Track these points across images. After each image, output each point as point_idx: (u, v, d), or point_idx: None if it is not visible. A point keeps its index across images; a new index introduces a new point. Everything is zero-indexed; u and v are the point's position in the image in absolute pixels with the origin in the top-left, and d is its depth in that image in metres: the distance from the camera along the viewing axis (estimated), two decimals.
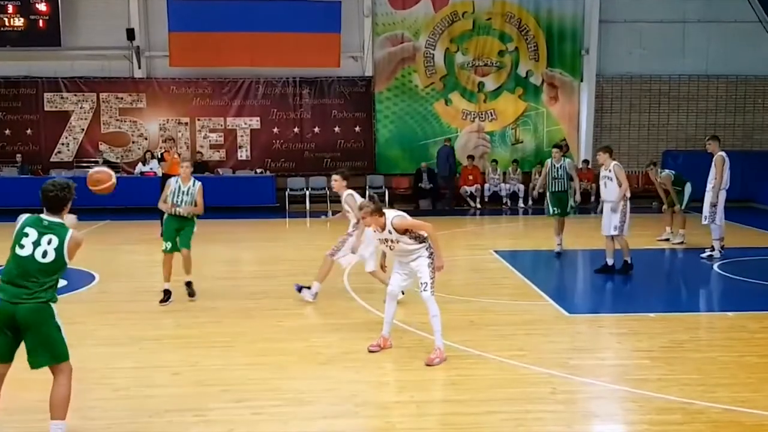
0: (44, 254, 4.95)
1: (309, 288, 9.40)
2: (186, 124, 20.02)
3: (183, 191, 9.40)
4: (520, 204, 19.73)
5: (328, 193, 19.37)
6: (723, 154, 12.03)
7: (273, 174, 19.65)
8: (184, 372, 6.74)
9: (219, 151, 20.09)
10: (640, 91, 20.58)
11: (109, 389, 6.31)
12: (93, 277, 10.77)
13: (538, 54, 20.34)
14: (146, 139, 19.98)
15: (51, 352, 5.03)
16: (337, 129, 20.14)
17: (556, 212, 12.73)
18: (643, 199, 20.11)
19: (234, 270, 11.89)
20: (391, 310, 7.38)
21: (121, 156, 19.94)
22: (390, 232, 6.92)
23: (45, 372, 5.09)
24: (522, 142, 20.67)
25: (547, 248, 13.71)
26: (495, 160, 20.20)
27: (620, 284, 10.92)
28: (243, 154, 20.14)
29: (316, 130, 20.12)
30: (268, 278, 11.07)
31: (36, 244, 4.96)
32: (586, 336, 8.10)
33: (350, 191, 9.31)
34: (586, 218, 17.79)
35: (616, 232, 10.88)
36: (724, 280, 10.70)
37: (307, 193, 19.38)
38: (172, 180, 9.49)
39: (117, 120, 19.93)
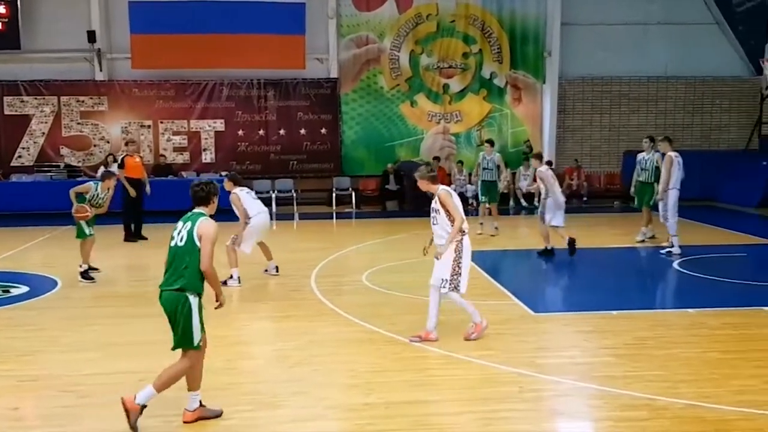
0: (181, 239, 5.58)
1: (230, 278, 10.25)
2: (149, 126, 19.80)
3: (101, 196, 10.93)
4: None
5: (294, 195, 19.34)
6: (672, 154, 12.39)
7: None
8: (151, 378, 6.66)
9: (183, 154, 19.90)
10: (601, 92, 20.88)
11: (74, 396, 6.23)
12: (56, 283, 10.61)
13: (502, 56, 20.53)
14: (108, 142, 19.72)
15: (179, 338, 5.59)
16: (302, 131, 20.10)
17: (483, 199, 14.89)
18: (606, 199, 20.47)
19: None
20: (434, 302, 7.67)
21: (83, 160, 19.65)
22: (435, 202, 7.53)
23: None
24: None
25: (513, 248, 13.87)
26: (461, 161, 20.32)
27: (585, 282, 11.09)
28: (207, 157, 19.99)
29: (282, 132, 20.05)
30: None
31: (179, 233, 5.62)
32: (552, 335, 8.20)
33: (236, 191, 10.60)
34: None
35: (552, 224, 12.20)
36: (685, 278, 10.89)
37: (273, 195, 19.29)
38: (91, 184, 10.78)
39: (78, 123, 19.64)
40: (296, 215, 16.17)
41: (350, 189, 19.95)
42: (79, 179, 17.20)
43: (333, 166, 20.12)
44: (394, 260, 12.45)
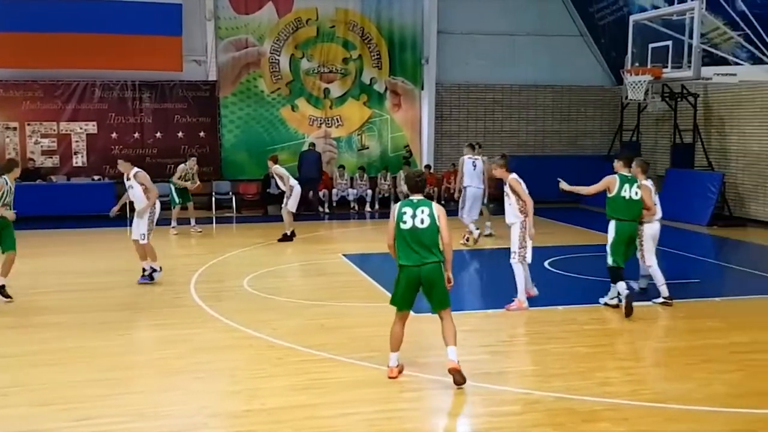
0: (422, 222, 6.46)
1: (154, 271, 10.64)
2: (15, 129, 18.72)
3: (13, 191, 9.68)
4: (367, 208, 20.09)
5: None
6: (464, 157, 13.93)
7: (112, 181, 18.79)
8: (17, 392, 6.35)
9: (52, 158, 18.95)
10: (476, 99, 21.57)
11: None
12: None
13: (381, 62, 20.82)
14: None
15: (442, 300, 6.58)
16: (180, 134, 19.60)
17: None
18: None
19: (73, 282, 11.28)
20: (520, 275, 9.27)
21: None
22: (507, 186, 9.19)
23: None
24: (368, 147, 21.06)
25: None
26: (342, 166, 20.44)
27: (462, 283, 11.43)
28: (79, 161, 19.12)
29: (158, 135, 19.48)
30: (110, 289, 10.58)
31: (413, 216, 6.48)
32: (432, 334, 8.38)
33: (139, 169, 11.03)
34: None
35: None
36: (554, 276, 11.41)
37: None
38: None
39: None
40: (174, 220, 15.74)
41: (230, 193, 19.64)
42: None
43: (212, 170, 19.73)
44: (275, 265, 12.39)
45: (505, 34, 21.21)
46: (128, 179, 10.96)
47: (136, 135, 19.31)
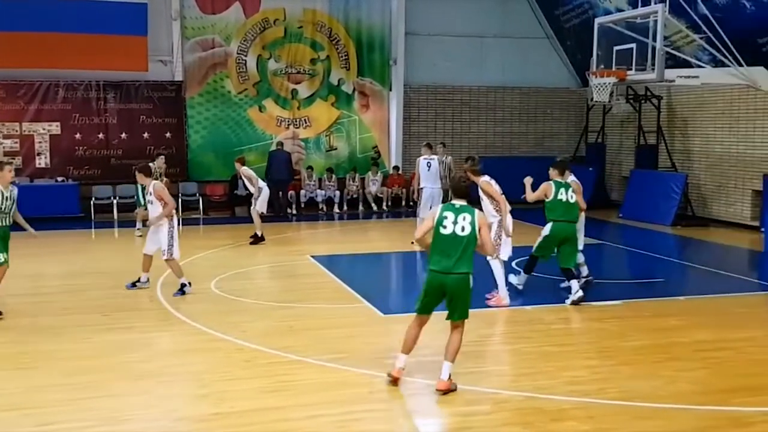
0: (462, 229, 6.35)
1: (184, 285, 9.99)
2: None
3: (6, 196, 9.08)
4: (336, 210, 20.05)
5: (141, 199, 18.54)
6: (419, 159, 14.21)
7: (76, 182, 18.53)
8: None
9: (14, 159, 18.56)
10: (444, 100, 21.65)
11: None
12: None
13: (349, 63, 20.79)
14: None
15: (462, 312, 6.51)
16: (146, 135, 19.36)
17: None
18: None
19: (37, 285, 11.09)
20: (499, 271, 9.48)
21: None
22: (480, 189, 9.41)
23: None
24: (336, 148, 21.02)
25: (363, 252, 14.08)
26: (310, 167, 20.36)
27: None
28: (42, 162, 18.80)
29: (123, 136, 19.22)
30: (74, 292, 10.42)
31: (454, 223, 6.38)
32: (401, 335, 8.37)
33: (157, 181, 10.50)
34: (399, 222, 18.47)
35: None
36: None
37: (115, 201, 18.46)
38: None
39: None
40: (139, 222, 15.54)
41: (197, 194, 19.46)
42: None
43: (179, 171, 19.52)
44: (243, 266, 12.30)
45: (473, 36, 21.33)
46: (149, 193, 10.02)
47: (101, 136, 19.03)
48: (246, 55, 19.99)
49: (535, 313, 9.19)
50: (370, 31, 20.80)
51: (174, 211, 10.16)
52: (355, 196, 20.39)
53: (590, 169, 19.83)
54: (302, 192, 20.08)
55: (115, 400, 6.23)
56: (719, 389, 6.57)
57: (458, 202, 6.52)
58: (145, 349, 7.68)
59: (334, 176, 20.40)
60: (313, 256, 13.04)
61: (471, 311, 6.47)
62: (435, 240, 6.45)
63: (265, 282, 11.84)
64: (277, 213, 18.29)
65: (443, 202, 13.85)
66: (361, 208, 20.23)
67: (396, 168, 20.80)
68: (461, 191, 6.61)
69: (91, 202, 18.33)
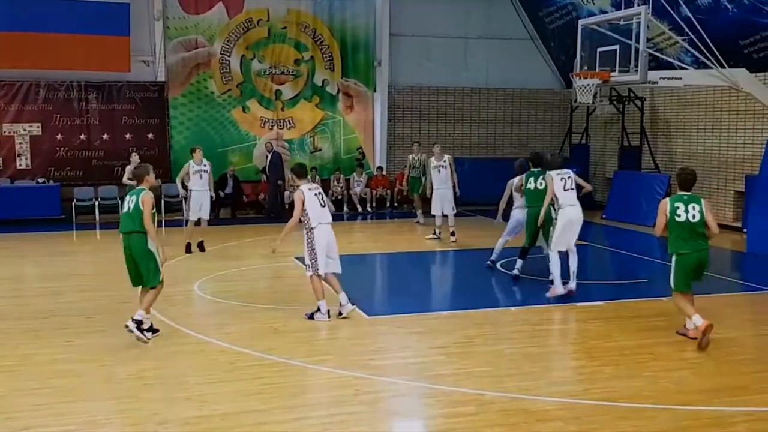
0: (693, 217, 7.63)
1: (317, 311, 8.82)
2: None
3: None
4: None
5: (119, 203, 18.39)
6: (430, 164, 14.72)
7: (57, 183, 18.36)
8: None
9: None
10: (428, 101, 21.65)
11: None
12: None
13: (334, 64, 20.75)
14: None
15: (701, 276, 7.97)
16: (128, 136, 19.21)
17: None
18: None
19: (17, 288, 10.95)
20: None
21: None
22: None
23: None
24: (320, 149, 20.96)
25: (348, 253, 14.00)
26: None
27: (416, 285, 11.45)
28: (23, 163, 18.60)
29: (105, 137, 19.06)
30: (55, 295, 10.32)
31: (686, 212, 7.59)
32: (386, 336, 8.39)
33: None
34: (384, 223, 18.45)
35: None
36: (505, 278, 11.48)
37: (96, 203, 18.30)
38: None
39: None
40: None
41: (180, 196, 19.30)
42: None
43: (162, 173, 19.33)
44: (226, 269, 12.23)
45: (457, 37, 21.37)
46: None
47: (83, 136, 18.87)
48: (229, 56, 19.90)
49: (519, 314, 9.19)
50: (355, 32, 20.77)
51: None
52: (339, 197, 20.34)
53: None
54: (286, 193, 19.96)
55: (96, 404, 6.16)
56: (702, 389, 6.59)
57: (685, 194, 7.71)
58: (127, 352, 7.59)
59: (318, 177, 20.31)
60: (297, 258, 12.95)
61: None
62: (673, 228, 7.65)
63: (249, 284, 11.76)
64: (277, 213, 18.24)
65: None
66: (345, 209, 20.18)
67: (380, 169, 20.78)
68: (687, 183, 7.77)
69: (73, 204, 18.17)
